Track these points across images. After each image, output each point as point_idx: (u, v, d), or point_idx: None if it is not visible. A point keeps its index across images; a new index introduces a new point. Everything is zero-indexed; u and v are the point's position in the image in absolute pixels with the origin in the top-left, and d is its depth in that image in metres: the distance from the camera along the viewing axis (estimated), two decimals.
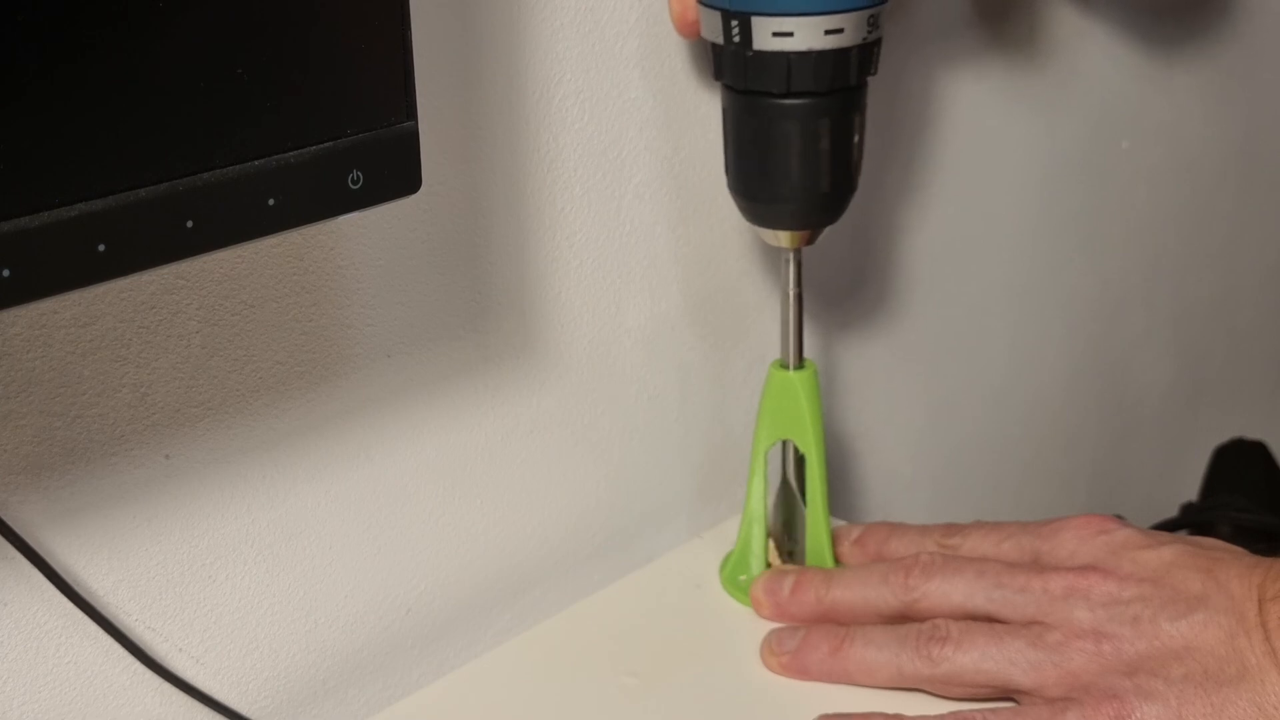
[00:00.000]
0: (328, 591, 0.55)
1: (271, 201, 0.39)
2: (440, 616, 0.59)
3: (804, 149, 0.55)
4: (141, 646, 0.50)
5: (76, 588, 0.48)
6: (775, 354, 0.61)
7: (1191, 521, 0.87)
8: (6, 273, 0.34)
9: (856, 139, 0.56)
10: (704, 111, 0.62)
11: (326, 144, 0.40)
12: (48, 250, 0.35)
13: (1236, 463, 0.94)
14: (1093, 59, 0.83)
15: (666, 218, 0.62)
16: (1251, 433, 0.95)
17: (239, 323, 0.50)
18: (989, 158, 0.79)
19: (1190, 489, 0.95)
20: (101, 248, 0.36)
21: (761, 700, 0.56)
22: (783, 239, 0.58)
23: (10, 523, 0.46)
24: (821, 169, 0.56)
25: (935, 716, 0.53)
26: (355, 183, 0.41)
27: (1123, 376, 0.95)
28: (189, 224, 0.38)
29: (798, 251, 0.59)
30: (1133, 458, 0.99)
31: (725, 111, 0.57)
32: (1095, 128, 0.85)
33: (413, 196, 0.42)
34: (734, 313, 0.66)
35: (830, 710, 0.54)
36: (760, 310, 0.67)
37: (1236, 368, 1.06)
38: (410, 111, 0.41)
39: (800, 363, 0.61)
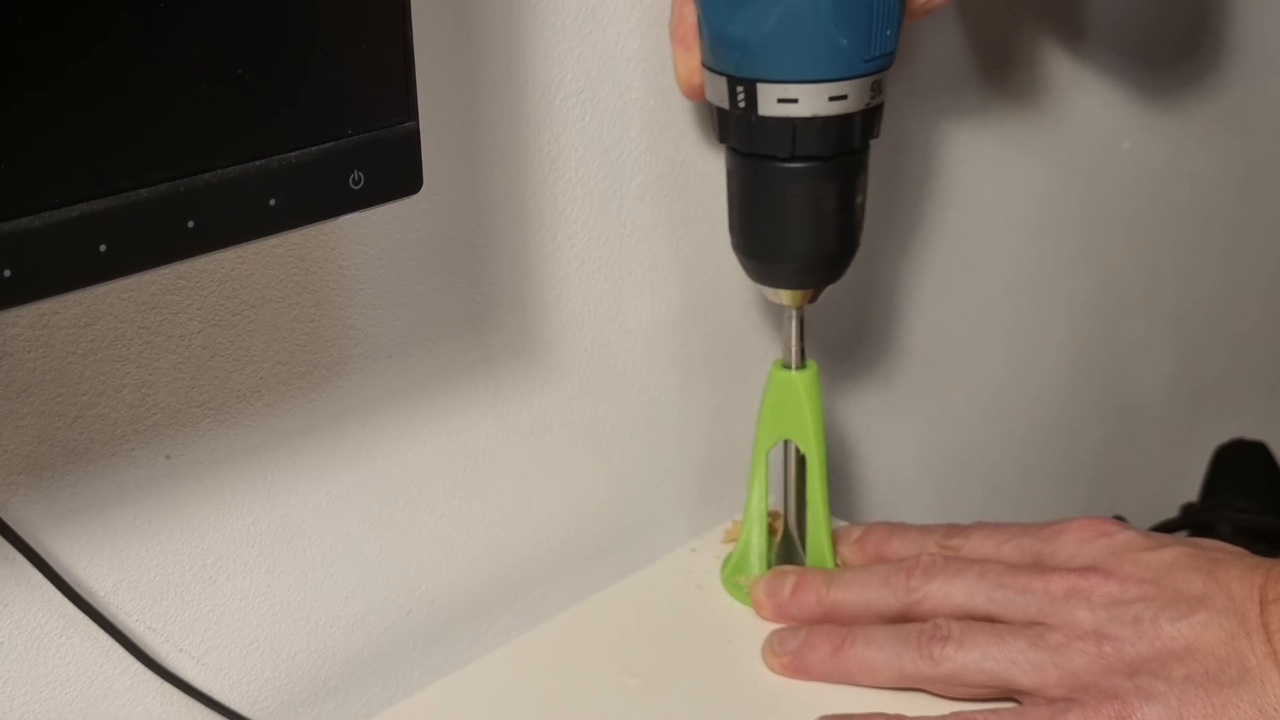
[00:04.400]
0: (329, 592, 0.55)
1: (273, 202, 0.39)
2: (441, 617, 0.59)
3: (808, 211, 0.56)
4: (142, 647, 0.50)
5: (77, 588, 0.48)
6: (776, 354, 0.61)
7: (1192, 522, 0.87)
8: (8, 273, 0.34)
9: (859, 200, 0.57)
10: (705, 113, 0.62)
11: (328, 144, 0.40)
12: (49, 250, 0.35)
13: (1237, 463, 0.94)
14: (1094, 66, 0.83)
15: (667, 218, 0.62)
16: (1252, 433, 0.95)
17: (240, 323, 0.50)
18: (990, 162, 0.79)
19: (1191, 490, 0.95)
20: (103, 248, 0.36)
21: (763, 701, 0.56)
22: (784, 297, 0.59)
23: (11, 523, 0.46)
24: (825, 231, 0.57)
25: (936, 717, 0.53)
26: (356, 183, 0.41)
27: (1123, 377, 0.95)
28: (190, 224, 0.38)
29: (800, 310, 0.59)
30: (1133, 459, 0.99)
31: (730, 173, 0.58)
32: (1096, 130, 0.85)
33: (414, 197, 0.42)
34: (735, 313, 0.66)
35: (832, 711, 0.54)
36: (761, 310, 0.67)
37: (1237, 369, 1.06)
38: (411, 112, 0.41)
39: (802, 362, 0.61)
